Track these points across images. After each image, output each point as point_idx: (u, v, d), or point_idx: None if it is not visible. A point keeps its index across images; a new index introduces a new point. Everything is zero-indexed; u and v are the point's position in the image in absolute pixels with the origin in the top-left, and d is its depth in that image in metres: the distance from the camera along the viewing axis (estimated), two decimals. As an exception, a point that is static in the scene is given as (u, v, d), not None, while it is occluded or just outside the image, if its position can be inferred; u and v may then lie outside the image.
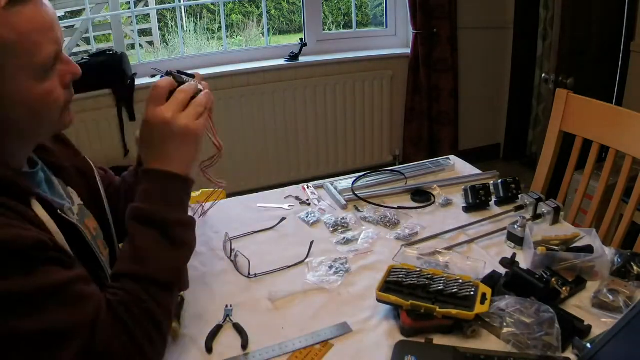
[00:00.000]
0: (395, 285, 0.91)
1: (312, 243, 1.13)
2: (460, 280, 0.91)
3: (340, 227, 1.23)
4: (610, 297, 0.90)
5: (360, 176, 1.47)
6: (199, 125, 0.83)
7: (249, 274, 1.05)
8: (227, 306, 0.95)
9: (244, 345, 0.86)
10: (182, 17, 4.40)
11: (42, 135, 0.82)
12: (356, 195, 1.37)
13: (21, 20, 0.68)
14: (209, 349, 0.85)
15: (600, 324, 0.86)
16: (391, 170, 1.52)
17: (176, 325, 0.88)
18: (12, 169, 0.74)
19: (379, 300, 0.89)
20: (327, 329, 0.90)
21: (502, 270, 1.00)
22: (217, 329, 0.90)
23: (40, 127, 0.77)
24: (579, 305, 0.92)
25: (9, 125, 0.72)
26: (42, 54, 0.70)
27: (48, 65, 0.72)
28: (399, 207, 1.31)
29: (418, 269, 0.95)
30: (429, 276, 0.92)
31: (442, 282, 0.90)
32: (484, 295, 0.87)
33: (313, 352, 0.84)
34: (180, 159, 0.83)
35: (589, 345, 0.79)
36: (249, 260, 1.06)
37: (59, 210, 0.76)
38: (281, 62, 3.02)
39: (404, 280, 0.91)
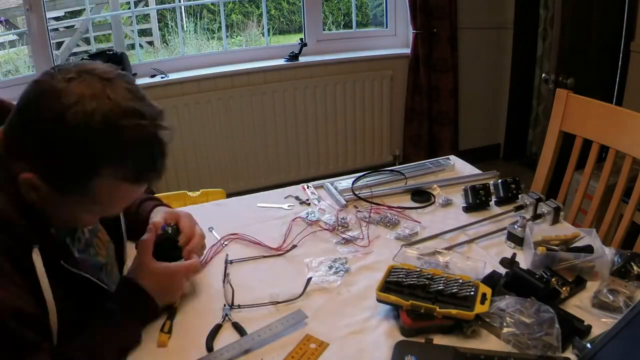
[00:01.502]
0: (395, 285, 0.91)
1: (309, 280, 1.01)
2: (460, 280, 0.91)
3: (340, 227, 1.23)
4: (610, 297, 0.90)
5: (360, 176, 1.47)
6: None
7: (232, 304, 0.97)
8: (225, 305, 0.95)
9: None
10: (182, 17, 4.40)
11: (68, 226, 0.87)
12: (356, 195, 1.36)
13: (123, 192, 0.78)
14: (210, 348, 0.85)
15: (600, 324, 0.86)
16: (391, 170, 1.52)
17: (165, 335, 0.89)
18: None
19: (379, 300, 0.89)
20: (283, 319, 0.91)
21: (502, 270, 1.00)
22: (217, 328, 0.90)
23: (68, 224, 0.85)
24: (579, 305, 0.92)
25: (52, 213, 0.77)
26: (113, 213, 0.86)
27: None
28: (399, 207, 1.31)
29: (418, 269, 0.95)
30: (429, 276, 0.92)
31: (442, 282, 0.90)
32: (484, 295, 0.87)
33: (309, 351, 0.84)
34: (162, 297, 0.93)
35: (589, 345, 0.79)
36: (233, 290, 1.00)
37: (61, 261, 0.78)
38: (281, 62, 3.02)
39: (404, 280, 0.91)
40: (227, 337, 0.88)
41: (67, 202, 0.75)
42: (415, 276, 0.92)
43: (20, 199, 0.73)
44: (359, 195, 1.36)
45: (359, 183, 1.45)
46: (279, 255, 1.14)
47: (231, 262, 1.11)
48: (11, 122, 0.74)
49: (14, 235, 0.72)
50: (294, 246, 1.15)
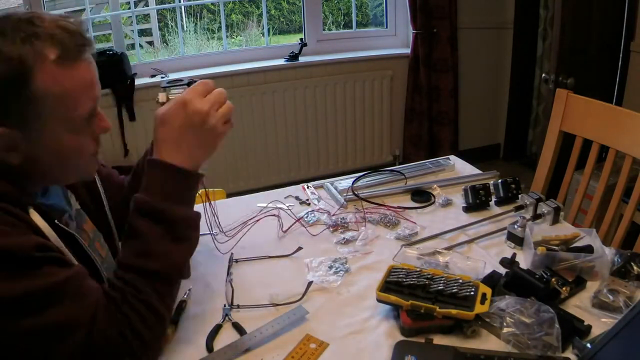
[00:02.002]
0: (395, 285, 0.91)
1: (309, 284, 0.99)
2: (460, 280, 0.91)
3: (340, 227, 1.23)
4: (610, 297, 0.90)
5: (360, 176, 1.47)
6: (225, 129, 0.90)
7: (232, 304, 0.96)
8: (225, 305, 0.95)
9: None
10: (182, 17, 4.40)
11: (66, 180, 0.86)
12: (356, 195, 1.36)
13: (67, 77, 0.72)
14: (210, 348, 0.85)
15: (600, 324, 0.86)
16: (391, 170, 1.52)
17: (171, 329, 0.88)
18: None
19: (379, 300, 0.89)
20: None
21: (502, 270, 1.00)
22: (217, 328, 0.90)
23: (66, 174, 0.83)
24: (578, 305, 0.92)
25: (35, 168, 0.76)
26: (81, 110, 0.75)
27: (84, 120, 0.76)
28: (399, 207, 1.31)
29: (418, 269, 0.95)
30: (429, 276, 0.92)
31: (442, 282, 0.90)
32: (484, 295, 0.87)
33: (309, 351, 0.84)
34: (194, 155, 0.84)
35: (588, 345, 0.79)
36: (232, 290, 0.99)
37: (56, 221, 0.78)
38: (281, 62, 3.02)
39: (404, 280, 0.91)
40: (227, 337, 0.88)
41: (42, 138, 0.73)
42: (415, 276, 0.92)
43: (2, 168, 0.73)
44: (359, 195, 1.36)
45: (359, 183, 1.45)
46: (285, 256, 1.13)
47: (236, 261, 1.11)
48: None
49: (6, 198, 0.71)
50: (300, 248, 1.15)
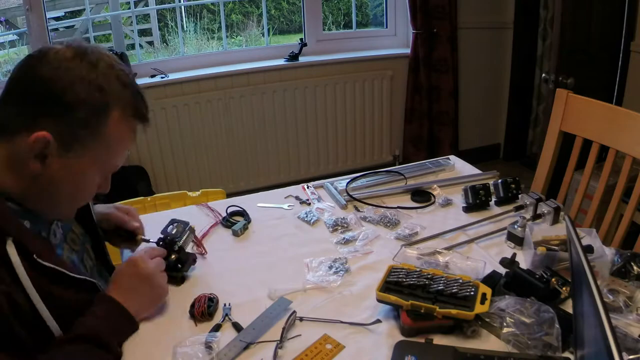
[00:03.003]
0: (395, 285, 0.91)
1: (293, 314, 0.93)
2: (460, 280, 0.91)
3: (340, 227, 1.23)
4: (610, 297, 0.90)
5: (355, 177, 1.47)
6: (166, 288, 0.96)
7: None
8: (225, 305, 0.95)
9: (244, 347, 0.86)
10: (182, 17, 4.40)
11: (53, 214, 0.87)
12: (351, 196, 1.36)
13: (127, 131, 0.83)
14: (209, 348, 0.85)
15: (600, 324, 0.86)
16: (387, 171, 1.51)
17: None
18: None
19: (379, 300, 0.89)
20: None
21: (502, 270, 1.00)
22: (217, 328, 0.90)
23: (59, 208, 0.85)
24: (579, 305, 0.91)
25: (41, 189, 0.79)
26: (116, 162, 0.85)
27: (111, 171, 0.86)
28: (399, 207, 1.31)
29: (418, 269, 0.95)
30: (429, 276, 0.92)
31: (442, 282, 0.90)
32: (484, 295, 0.87)
33: (324, 351, 0.84)
34: (141, 306, 0.90)
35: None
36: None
37: (35, 256, 0.76)
38: (281, 62, 3.02)
39: (404, 280, 0.91)
40: (227, 336, 0.88)
41: (70, 164, 0.77)
42: (415, 276, 0.92)
43: None
44: (354, 196, 1.36)
45: (359, 183, 1.45)
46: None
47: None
48: (5, 95, 0.76)
49: None
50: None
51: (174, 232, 1.06)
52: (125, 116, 0.80)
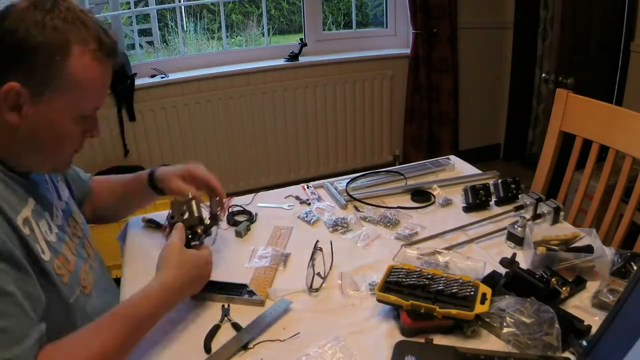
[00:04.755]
0: (395, 285, 0.91)
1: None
2: (460, 280, 0.91)
3: (340, 227, 1.23)
4: (610, 297, 0.90)
5: (355, 177, 1.47)
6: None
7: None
8: (224, 306, 0.95)
9: (243, 345, 0.86)
10: (182, 17, 4.39)
11: (40, 167, 0.89)
12: (351, 196, 1.36)
13: (95, 69, 0.81)
14: (208, 349, 0.85)
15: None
16: (387, 171, 1.51)
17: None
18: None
19: (379, 300, 0.89)
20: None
21: (502, 270, 0.99)
22: (215, 328, 0.90)
23: (44, 160, 0.86)
24: (579, 306, 0.92)
25: (22, 141, 0.80)
26: (89, 103, 0.83)
27: (86, 113, 0.84)
28: (399, 207, 1.31)
29: (418, 269, 0.95)
30: (429, 276, 0.92)
31: (442, 282, 0.90)
32: (484, 295, 0.87)
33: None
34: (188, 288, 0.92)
35: (584, 342, 0.79)
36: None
37: (10, 217, 0.76)
38: (281, 62, 3.02)
39: (404, 280, 0.91)
40: (226, 337, 0.88)
41: (46, 112, 0.78)
42: (415, 276, 0.92)
43: None
44: (353, 196, 1.36)
45: (359, 183, 1.45)
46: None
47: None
48: None
49: None
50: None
51: (184, 216, 1.03)
52: (88, 51, 0.79)
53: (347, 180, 1.45)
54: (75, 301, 0.86)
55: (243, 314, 0.94)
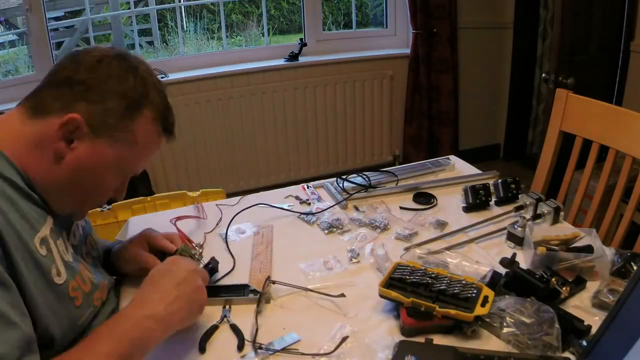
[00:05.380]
0: (399, 281, 0.91)
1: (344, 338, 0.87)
2: (464, 282, 0.91)
3: (340, 227, 1.23)
4: (610, 297, 0.90)
5: (344, 178, 1.45)
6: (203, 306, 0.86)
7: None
8: (225, 307, 0.95)
9: (240, 347, 0.85)
10: (182, 17, 4.39)
11: (60, 207, 0.82)
12: (347, 193, 1.36)
13: (153, 136, 0.84)
14: (202, 349, 0.85)
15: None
16: (381, 171, 1.51)
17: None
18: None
19: (381, 296, 0.90)
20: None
21: (502, 270, 1.00)
22: (213, 329, 0.89)
23: (71, 202, 0.83)
24: (578, 306, 0.92)
25: (65, 179, 0.78)
26: (136, 165, 0.86)
27: (128, 174, 0.86)
28: (400, 207, 1.31)
29: (423, 268, 0.95)
30: (433, 275, 0.92)
31: (445, 281, 0.90)
32: (485, 297, 0.87)
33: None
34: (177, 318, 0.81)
35: (584, 342, 0.79)
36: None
37: (26, 239, 0.72)
38: (281, 62, 3.02)
39: (408, 277, 0.91)
40: (223, 340, 0.88)
41: (98, 153, 0.78)
42: (419, 274, 0.92)
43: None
44: (353, 196, 1.36)
45: (361, 182, 1.45)
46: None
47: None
48: (47, 82, 0.80)
49: None
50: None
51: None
52: (155, 120, 0.83)
53: (336, 180, 1.45)
54: (83, 323, 0.83)
55: (243, 314, 0.94)
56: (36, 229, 0.74)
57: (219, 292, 0.98)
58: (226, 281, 1.05)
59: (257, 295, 0.96)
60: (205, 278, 0.90)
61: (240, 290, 0.99)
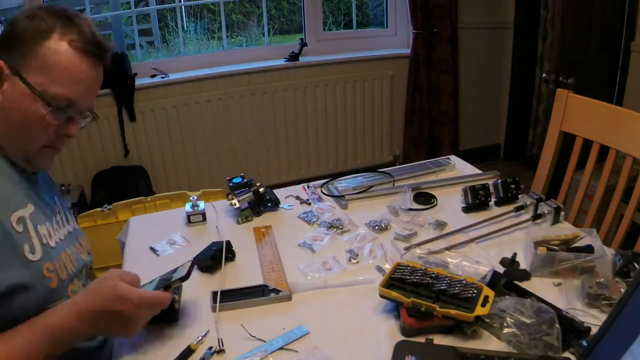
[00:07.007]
0: (399, 282, 0.91)
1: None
2: (464, 282, 0.91)
3: (340, 227, 1.23)
4: (601, 289, 0.90)
5: (330, 179, 1.47)
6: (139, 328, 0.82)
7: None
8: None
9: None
10: (182, 17, 4.39)
11: (15, 153, 0.87)
12: (341, 196, 1.36)
13: (71, 57, 0.83)
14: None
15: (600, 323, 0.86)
16: (378, 172, 1.51)
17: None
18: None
19: (381, 296, 0.90)
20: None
21: (502, 270, 1.00)
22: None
23: (17, 143, 0.86)
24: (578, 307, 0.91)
25: (5, 123, 0.84)
26: (61, 92, 0.83)
27: (56, 102, 0.83)
28: (400, 207, 1.31)
29: (424, 268, 0.95)
30: (433, 275, 0.92)
31: (445, 282, 0.90)
32: (486, 297, 0.87)
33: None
34: (96, 330, 0.81)
35: (585, 343, 0.79)
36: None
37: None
38: (281, 62, 3.02)
39: (408, 277, 0.91)
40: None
41: (21, 88, 0.81)
42: (419, 274, 0.92)
43: None
44: (354, 196, 1.36)
45: (359, 183, 1.45)
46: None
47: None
48: None
49: None
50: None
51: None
52: (67, 40, 0.83)
53: (326, 181, 1.45)
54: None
55: (262, 318, 0.93)
56: (13, 208, 0.81)
57: (237, 294, 0.97)
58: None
59: (279, 294, 0.96)
60: (150, 302, 0.81)
61: (258, 291, 0.98)
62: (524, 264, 1.04)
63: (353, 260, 1.10)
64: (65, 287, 0.87)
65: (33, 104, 0.82)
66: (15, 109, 0.83)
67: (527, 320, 0.82)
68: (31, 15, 0.84)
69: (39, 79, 0.82)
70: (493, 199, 1.32)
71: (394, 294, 0.87)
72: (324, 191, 1.42)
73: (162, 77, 2.80)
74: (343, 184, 1.44)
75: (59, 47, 0.83)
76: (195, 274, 1.06)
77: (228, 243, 1.10)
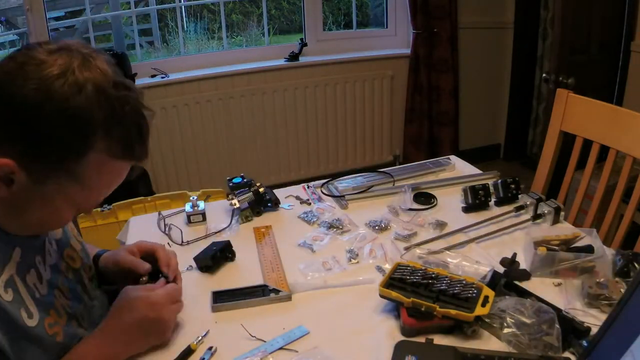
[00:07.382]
0: (399, 282, 0.91)
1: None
2: (464, 282, 0.91)
3: (340, 227, 1.23)
4: (601, 289, 0.90)
5: (329, 180, 1.46)
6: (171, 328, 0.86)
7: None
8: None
9: None
10: (182, 17, 4.39)
11: (27, 231, 0.77)
12: (340, 196, 1.36)
13: (108, 169, 0.71)
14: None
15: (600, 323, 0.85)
16: (378, 172, 1.51)
17: None
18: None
19: (381, 296, 0.90)
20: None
21: (502, 270, 0.99)
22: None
23: (31, 229, 0.76)
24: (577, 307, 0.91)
25: (16, 213, 0.71)
26: (98, 199, 0.75)
27: (92, 206, 0.76)
28: (400, 207, 1.31)
29: (424, 268, 0.95)
30: (433, 275, 0.92)
31: (445, 282, 0.90)
32: (486, 297, 0.87)
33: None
34: (134, 346, 0.82)
35: (585, 343, 0.79)
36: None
37: None
38: (281, 62, 3.02)
39: (408, 277, 0.91)
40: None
41: (41, 195, 0.69)
42: (419, 274, 0.92)
43: None
44: (353, 196, 1.36)
45: (359, 183, 1.45)
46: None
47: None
48: None
49: None
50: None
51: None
52: (109, 157, 0.69)
53: (327, 181, 1.45)
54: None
55: (262, 318, 0.93)
56: None
57: (236, 294, 0.97)
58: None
59: (279, 294, 0.96)
60: (173, 296, 0.86)
61: (258, 291, 0.98)
62: (524, 264, 1.04)
63: (353, 260, 1.10)
64: (70, 328, 0.80)
65: (62, 211, 0.73)
66: (34, 209, 0.71)
67: (527, 320, 0.82)
68: (57, 109, 0.63)
69: (72, 193, 0.70)
70: (493, 199, 1.32)
71: (394, 294, 0.87)
72: (324, 191, 1.42)
73: (162, 77, 2.80)
74: (343, 184, 1.44)
75: (102, 168, 0.69)
76: (196, 274, 1.07)
77: (228, 243, 1.10)
